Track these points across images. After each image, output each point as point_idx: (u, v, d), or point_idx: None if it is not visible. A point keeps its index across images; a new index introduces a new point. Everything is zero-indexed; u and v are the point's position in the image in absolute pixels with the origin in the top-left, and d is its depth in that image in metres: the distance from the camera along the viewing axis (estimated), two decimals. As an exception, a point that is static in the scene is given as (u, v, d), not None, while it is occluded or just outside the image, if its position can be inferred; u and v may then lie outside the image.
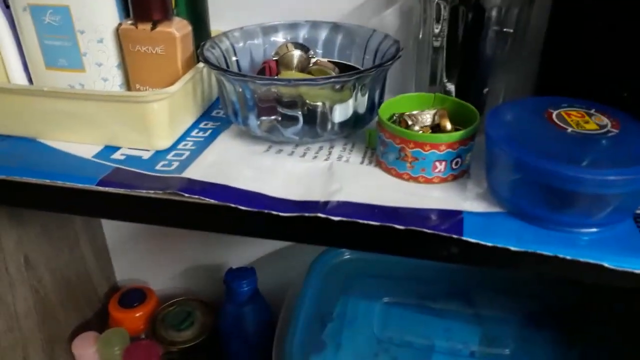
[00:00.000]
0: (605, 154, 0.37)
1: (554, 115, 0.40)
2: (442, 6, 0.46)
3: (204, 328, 0.79)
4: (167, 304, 0.83)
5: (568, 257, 0.36)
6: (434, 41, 0.48)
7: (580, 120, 0.39)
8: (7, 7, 0.52)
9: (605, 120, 0.39)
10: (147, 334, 0.80)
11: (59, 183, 0.45)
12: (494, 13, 0.45)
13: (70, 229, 0.80)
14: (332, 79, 0.43)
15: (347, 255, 0.72)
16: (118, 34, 0.49)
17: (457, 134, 0.42)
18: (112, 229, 0.88)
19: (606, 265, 0.36)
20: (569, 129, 0.38)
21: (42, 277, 0.75)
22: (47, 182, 0.45)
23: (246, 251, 0.84)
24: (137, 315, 0.80)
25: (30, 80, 0.54)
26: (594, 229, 0.38)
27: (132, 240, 0.88)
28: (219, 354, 0.79)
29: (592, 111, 0.40)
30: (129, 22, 0.49)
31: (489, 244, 0.37)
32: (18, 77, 0.54)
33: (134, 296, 0.82)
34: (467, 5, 0.45)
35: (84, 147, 0.50)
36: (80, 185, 0.44)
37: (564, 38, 0.48)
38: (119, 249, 0.91)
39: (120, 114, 0.47)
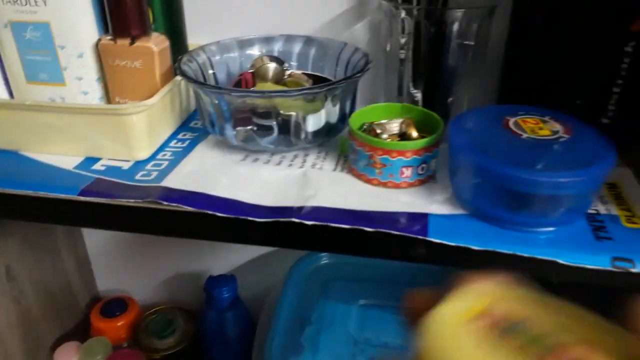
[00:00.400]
0: (557, 157, 0.39)
1: (510, 123, 0.42)
2: (405, 21, 0.49)
3: (186, 335, 0.80)
4: (149, 313, 0.84)
5: (525, 255, 0.39)
6: (400, 54, 0.51)
7: (535, 127, 0.42)
8: (-12, 23, 0.53)
9: (558, 127, 0.42)
10: (130, 342, 0.81)
11: (41, 194, 0.46)
12: (455, 27, 0.48)
13: (52, 240, 0.80)
14: (305, 91, 0.46)
15: (324, 260, 0.74)
16: (98, 48, 0.51)
17: (422, 142, 0.44)
18: (93, 240, 0.89)
19: (560, 261, 0.38)
20: (524, 135, 0.41)
21: (24, 288, 0.75)
22: (30, 193, 0.46)
23: (226, 259, 0.85)
24: (119, 324, 0.81)
25: (11, 95, 0.56)
26: (550, 228, 0.41)
27: (113, 251, 0.89)
28: (200, 360, 0.80)
29: (547, 118, 0.43)
30: (108, 37, 0.51)
31: (452, 244, 0.39)
32: (-2, 92, 0.56)
33: (115, 306, 0.83)
34: (430, 19, 0.48)
35: (65, 159, 0.51)
36: (62, 196, 0.46)
37: (522, 50, 0.50)
38: (101, 260, 0.91)
39: (101, 126, 0.49)
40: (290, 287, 0.70)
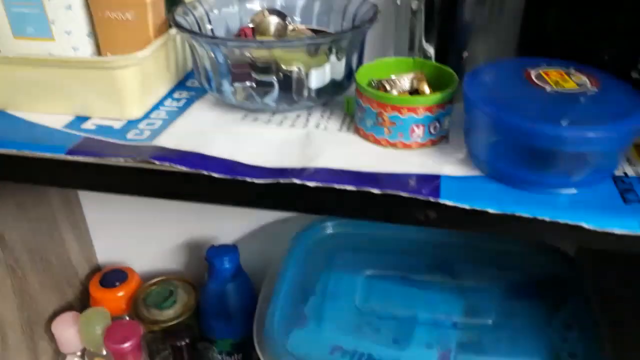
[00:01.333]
0: (585, 111, 0.36)
1: (532, 75, 0.39)
2: (419, -34, 0.45)
3: (187, 306, 0.78)
4: (149, 284, 0.82)
5: (547, 219, 0.36)
6: (412, 4, 0.47)
7: (559, 79, 0.38)
8: (-29, -27, 0.50)
9: (584, 79, 0.38)
10: (130, 314, 0.79)
11: (28, 153, 0.43)
12: (472, -27, 0.44)
13: (48, 209, 0.78)
14: (307, 41, 0.42)
15: (329, 230, 0.72)
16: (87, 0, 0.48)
17: (435, 97, 0.41)
18: (92, 210, 0.87)
19: (585, 226, 0.35)
20: (548, 88, 0.37)
21: (20, 258, 0.73)
22: (16, 152, 0.43)
23: (228, 229, 0.83)
24: (119, 295, 0.79)
25: (-3, 51, 0.53)
26: (573, 190, 0.37)
27: (112, 221, 0.87)
28: (201, 332, 0.78)
29: (571, 70, 0.40)
30: (98, -14, 0.47)
31: (467, 207, 0.36)
32: (-16, 48, 0.53)
33: (115, 276, 0.81)
34: (445, -35, 0.44)
35: (54, 118, 0.48)
36: (50, 155, 0.43)
37: (544, 1, 0.46)
38: (100, 230, 0.89)
39: (90, 82, 0.46)
40: (294, 257, 0.67)
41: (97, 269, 0.91)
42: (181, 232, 0.86)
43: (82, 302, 0.86)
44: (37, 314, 0.78)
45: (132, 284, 0.81)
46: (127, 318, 0.78)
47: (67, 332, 0.75)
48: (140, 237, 0.88)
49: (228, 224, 0.83)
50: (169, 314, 0.77)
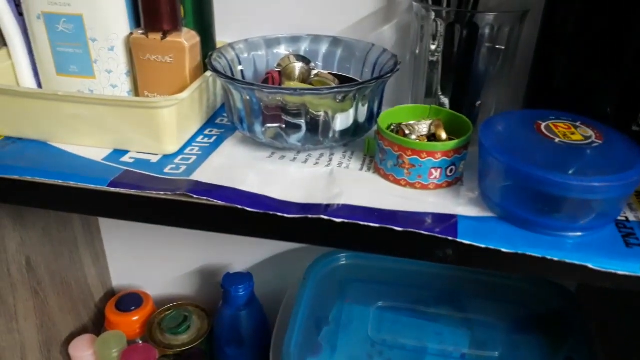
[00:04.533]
0: (590, 162, 0.39)
1: (542, 127, 0.42)
2: (438, 23, 0.49)
3: (201, 332, 0.80)
4: (164, 308, 0.84)
5: (556, 259, 0.39)
6: (430, 56, 0.51)
7: (567, 132, 0.42)
8: (21, 14, 0.54)
9: (590, 132, 0.42)
10: (144, 338, 0.81)
11: (72, 184, 0.46)
12: (487, 31, 0.48)
13: (70, 233, 0.81)
14: (336, 89, 0.46)
15: (342, 261, 0.74)
16: (129, 42, 0.52)
17: (452, 143, 0.44)
18: (110, 234, 0.90)
19: (591, 266, 0.38)
20: (557, 139, 0.41)
21: (42, 280, 0.76)
22: (60, 182, 0.47)
23: (243, 256, 0.85)
24: (134, 319, 0.81)
25: (40, 86, 0.56)
26: (579, 233, 0.41)
27: (129, 246, 0.90)
28: (214, 358, 0.80)
29: (578, 124, 0.43)
30: (140, 31, 0.51)
31: (482, 246, 0.40)
32: (28, 83, 0.56)
33: (130, 300, 0.83)
34: (462, 23, 0.48)
35: (94, 151, 0.51)
36: (91, 186, 0.46)
37: (552, 55, 0.50)
38: (116, 254, 0.92)
39: (131, 119, 0.49)
40: (308, 287, 0.70)
41: (112, 292, 0.93)
42: (196, 258, 0.88)
43: (96, 325, 0.88)
44: (56, 336, 0.80)
45: (147, 308, 0.83)
46: (141, 342, 0.81)
47: (84, 354, 0.77)
48: (155, 263, 0.90)
49: (242, 252, 0.85)
50: (183, 339, 0.79)
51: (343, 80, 0.57)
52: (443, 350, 0.62)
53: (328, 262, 0.74)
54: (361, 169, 0.50)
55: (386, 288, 0.70)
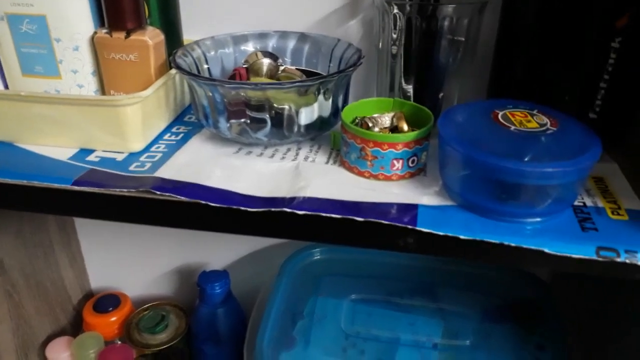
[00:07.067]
0: (545, 149, 0.40)
1: (499, 116, 0.43)
2: (398, 16, 0.50)
3: (178, 331, 0.80)
4: (142, 308, 0.84)
5: (512, 244, 0.39)
6: (392, 49, 0.51)
7: (523, 120, 0.43)
8: (-16, 16, 0.54)
9: (545, 120, 0.43)
10: (122, 338, 0.81)
11: (36, 183, 0.46)
12: (446, 23, 0.49)
13: (45, 236, 0.81)
14: (297, 84, 0.46)
15: (317, 256, 0.75)
16: (93, 42, 0.52)
17: (413, 134, 0.45)
18: (87, 237, 0.89)
19: (547, 251, 0.39)
20: (512, 127, 0.42)
21: (17, 283, 0.75)
22: (24, 182, 0.47)
23: (220, 255, 0.86)
24: (112, 320, 0.81)
25: (6, 87, 0.56)
26: (538, 219, 0.41)
27: (106, 247, 0.89)
28: (192, 356, 0.81)
29: (535, 112, 0.44)
30: (104, 30, 0.51)
31: (441, 233, 0.40)
32: (-6, 84, 0.56)
33: (108, 302, 0.83)
34: (422, 15, 0.49)
35: (60, 150, 0.51)
36: (56, 185, 0.46)
37: (511, 46, 0.51)
38: (94, 256, 0.91)
39: (96, 118, 0.49)
40: (283, 282, 0.70)
41: (89, 294, 0.93)
42: (173, 258, 0.89)
43: (74, 327, 0.88)
44: (32, 338, 0.79)
45: (125, 309, 0.83)
46: (119, 342, 0.81)
47: (61, 356, 0.77)
48: (132, 263, 0.90)
49: (219, 251, 0.86)
50: (161, 338, 0.79)
51: (310, 75, 0.57)
52: (416, 341, 0.62)
53: (303, 257, 0.74)
54: (327, 162, 0.50)
55: (360, 281, 0.71)
